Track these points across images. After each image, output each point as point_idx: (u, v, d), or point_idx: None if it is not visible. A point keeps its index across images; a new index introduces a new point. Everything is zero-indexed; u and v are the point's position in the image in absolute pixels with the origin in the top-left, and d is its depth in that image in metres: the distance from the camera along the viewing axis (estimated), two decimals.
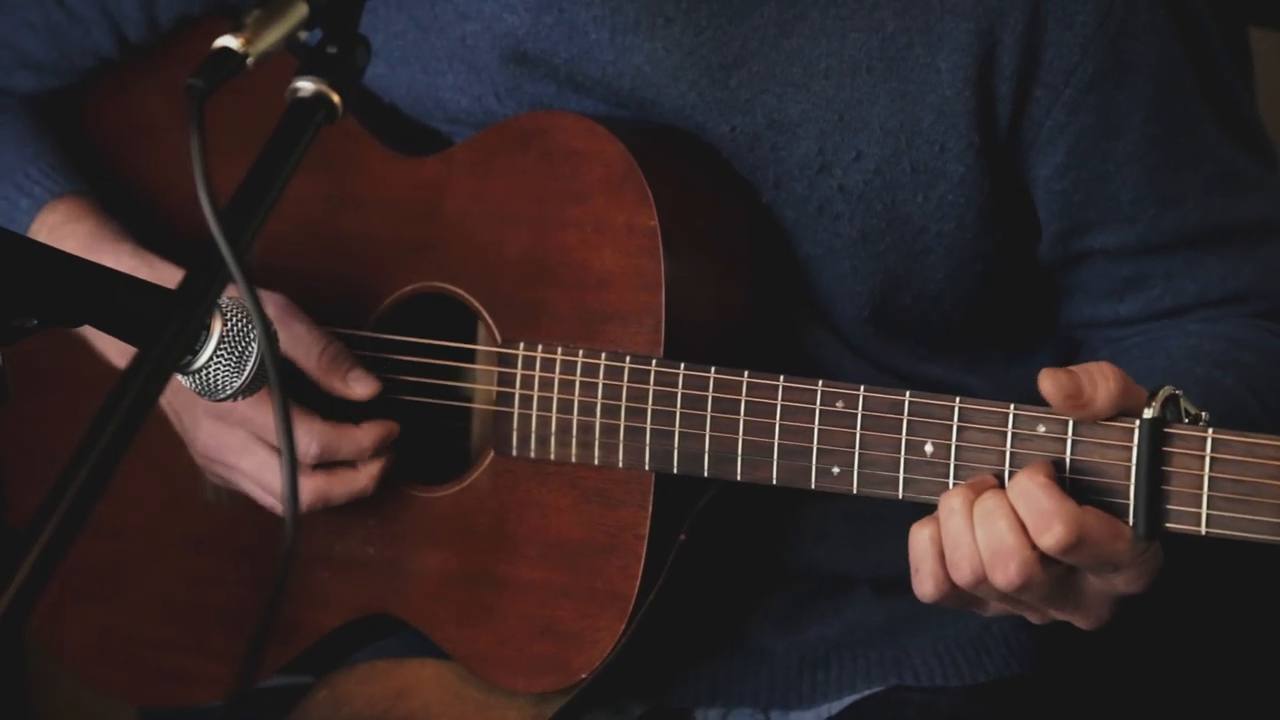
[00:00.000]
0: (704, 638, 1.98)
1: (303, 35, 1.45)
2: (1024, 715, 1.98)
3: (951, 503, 1.64)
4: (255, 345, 1.64)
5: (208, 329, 1.60)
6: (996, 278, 1.90)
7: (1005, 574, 1.60)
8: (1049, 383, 1.61)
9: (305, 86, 1.45)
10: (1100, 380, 1.60)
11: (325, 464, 1.92)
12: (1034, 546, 1.60)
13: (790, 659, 1.98)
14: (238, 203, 1.41)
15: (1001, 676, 1.97)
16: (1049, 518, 1.59)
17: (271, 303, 1.92)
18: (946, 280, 1.88)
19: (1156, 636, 2.24)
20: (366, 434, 1.91)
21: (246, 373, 1.64)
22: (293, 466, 1.35)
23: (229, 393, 1.64)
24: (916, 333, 1.92)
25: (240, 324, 1.64)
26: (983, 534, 1.61)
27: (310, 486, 1.91)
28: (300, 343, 1.91)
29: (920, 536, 1.66)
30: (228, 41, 1.40)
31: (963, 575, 1.63)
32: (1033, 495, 1.60)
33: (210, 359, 1.61)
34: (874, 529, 1.94)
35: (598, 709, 2.02)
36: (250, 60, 1.40)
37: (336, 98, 1.45)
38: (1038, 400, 1.64)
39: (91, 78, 2.10)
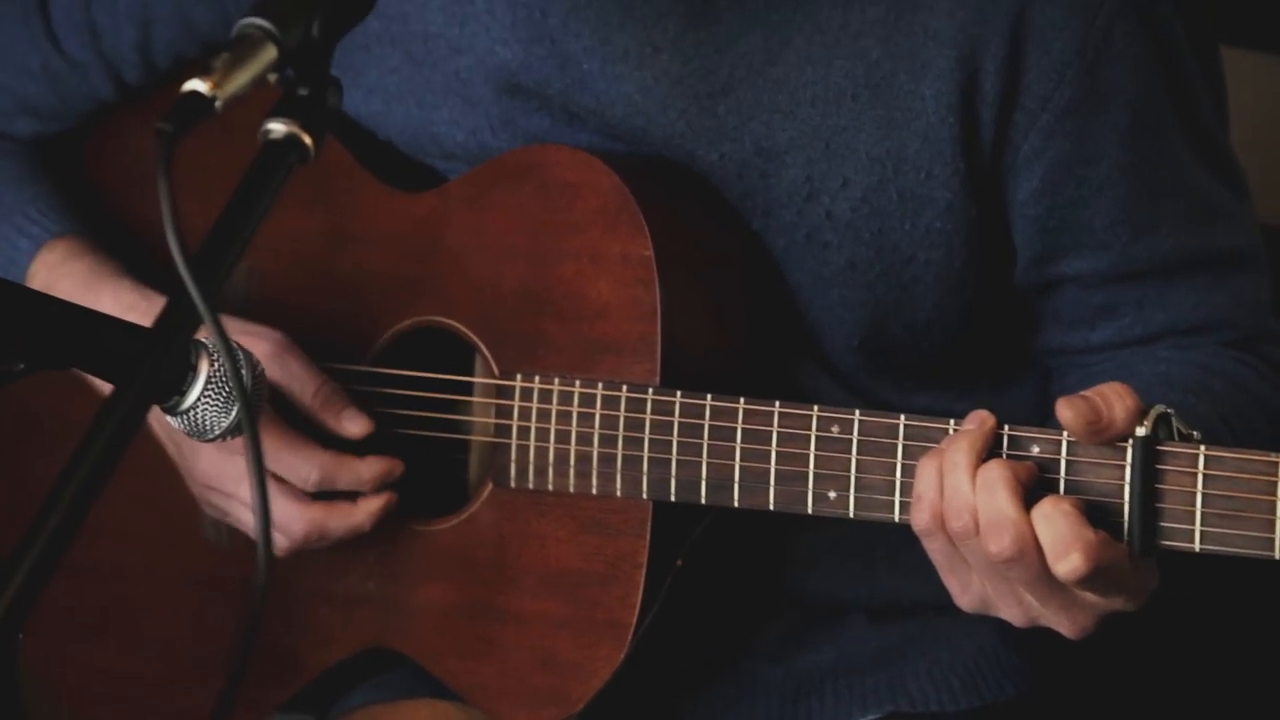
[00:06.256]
0: (699, 667, 1.99)
1: (272, 78, 1.45)
2: None
3: (955, 457, 1.64)
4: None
5: (194, 370, 1.59)
6: (983, 307, 1.90)
7: (999, 544, 1.60)
8: (1068, 411, 1.61)
9: (277, 128, 1.45)
10: (1116, 400, 1.61)
11: (325, 495, 1.92)
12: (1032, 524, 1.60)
13: (786, 687, 1.98)
14: (210, 245, 1.42)
15: (996, 700, 1.97)
16: (1068, 544, 1.58)
17: (268, 339, 1.93)
18: (935, 310, 1.88)
19: (1147, 656, 2.25)
20: (368, 467, 1.92)
21: (234, 413, 1.62)
22: (264, 503, 1.35)
23: (217, 433, 1.62)
24: (905, 364, 1.92)
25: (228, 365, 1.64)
26: (983, 502, 1.61)
27: (307, 517, 1.91)
28: (296, 379, 1.93)
29: (928, 468, 1.66)
30: (196, 85, 1.40)
31: (957, 525, 1.63)
32: (1054, 520, 1.60)
33: (198, 399, 1.60)
34: (867, 556, 1.95)
35: None
36: (219, 104, 1.40)
37: (308, 139, 1.45)
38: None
39: (91, 120, 2.11)
